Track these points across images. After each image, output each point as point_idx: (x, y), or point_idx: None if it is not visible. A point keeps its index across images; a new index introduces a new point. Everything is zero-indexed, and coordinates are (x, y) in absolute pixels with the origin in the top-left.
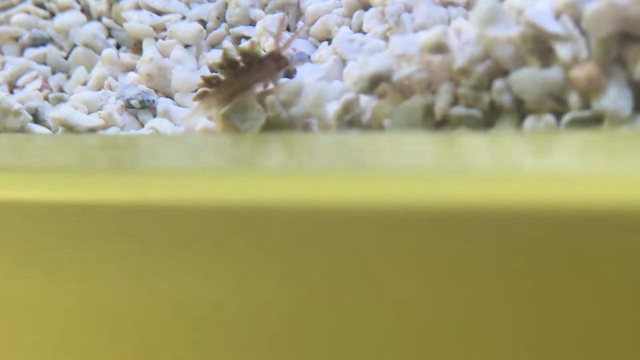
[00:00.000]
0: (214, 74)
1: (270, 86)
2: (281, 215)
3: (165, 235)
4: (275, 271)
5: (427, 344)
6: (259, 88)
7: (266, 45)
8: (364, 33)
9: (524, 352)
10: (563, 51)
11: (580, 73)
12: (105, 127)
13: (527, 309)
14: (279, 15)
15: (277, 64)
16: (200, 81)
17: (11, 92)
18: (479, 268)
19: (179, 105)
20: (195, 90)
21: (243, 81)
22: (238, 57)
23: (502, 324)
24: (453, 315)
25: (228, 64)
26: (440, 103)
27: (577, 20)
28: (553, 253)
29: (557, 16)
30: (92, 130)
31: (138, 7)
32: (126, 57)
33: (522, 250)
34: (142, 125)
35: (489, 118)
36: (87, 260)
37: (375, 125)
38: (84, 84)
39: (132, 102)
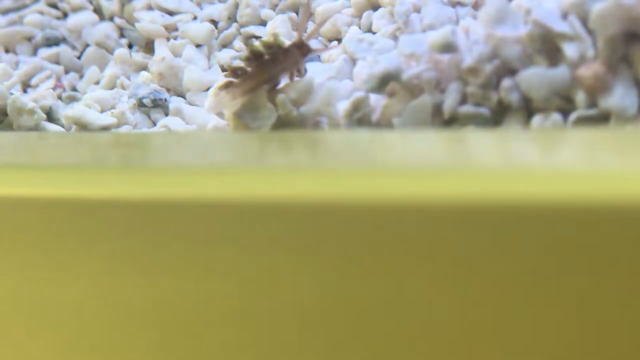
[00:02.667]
0: (239, 64)
1: (296, 76)
2: (292, 212)
3: (177, 232)
4: (284, 266)
5: (441, 340)
6: (285, 78)
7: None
8: (373, 33)
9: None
10: (570, 50)
11: (587, 72)
12: (118, 126)
13: (539, 304)
14: (304, 4)
15: (301, 52)
16: (226, 72)
17: (25, 91)
18: (488, 262)
19: (190, 104)
20: (208, 89)
21: (269, 72)
22: (263, 50)
23: (514, 317)
24: (462, 310)
25: (254, 56)
26: (449, 102)
27: (584, 20)
28: (560, 248)
29: (565, 16)
30: (105, 128)
31: (150, 8)
32: (138, 56)
33: (530, 245)
34: (155, 124)
35: (497, 116)
36: (100, 256)
37: (384, 124)
38: (97, 83)
39: (145, 101)
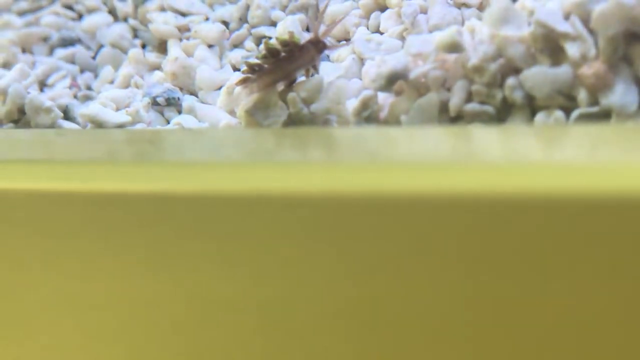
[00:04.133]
0: (256, 61)
1: (312, 72)
2: (304, 205)
3: (190, 224)
4: (292, 257)
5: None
6: (301, 74)
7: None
8: (381, 33)
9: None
10: (572, 50)
11: (588, 71)
12: (132, 124)
13: (542, 295)
14: (315, 5)
15: (317, 48)
16: (245, 68)
17: (42, 90)
18: (491, 252)
19: (203, 102)
20: (220, 88)
21: (285, 68)
22: (279, 47)
23: (521, 307)
24: (469, 300)
25: (270, 54)
26: (455, 99)
27: (585, 20)
28: (562, 238)
29: (567, 16)
30: (120, 126)
31: (163, 9)
32: (152, 56)
33: (533, 235)
34: (168, 122)
35: (502, 114)
36: (114, 248)
37: (392, 121)
38: (111, 82)
39: (158, 99)
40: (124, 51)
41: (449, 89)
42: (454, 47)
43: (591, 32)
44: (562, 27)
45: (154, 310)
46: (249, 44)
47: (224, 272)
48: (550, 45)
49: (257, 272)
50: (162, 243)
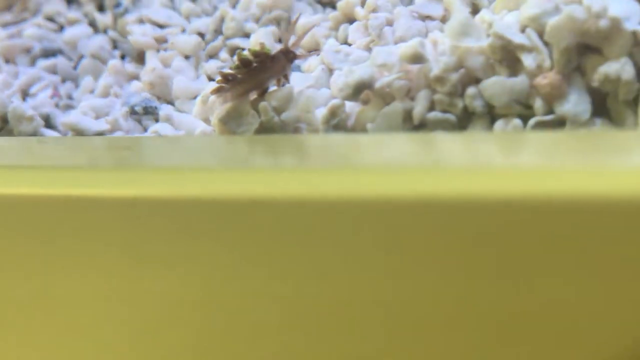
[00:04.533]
0: (230, 71)
1: (283, 81)
2: (276, 209)
3: (166, 228)
4: (264, 262)
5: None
6: (273, 83)
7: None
8: (349, 45)
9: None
10: (528, 61)
11: (543, 81)
12: (111, 132)
13: (502, 293)
14: (286, 17)
15: (287, 58)
16: (219, 78)
17: (24, 99)
18: (457, 253)
19: (179, 111)
20: (195, 97)
21: (258, 78)
22: (251, 58)
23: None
24: (428, 302)
25: (243, 64)
26: (418, 108)
27: (540, 33)
28: (522, 239)
29: (523, 29)
30: (100, 134)
31: (141, 21)
32: (130, 67)
33: (494, 236)
34: (146, 130)
35: (463, 122)
36: (95, 251)
37: (359, 129)
38: (92, 92)
39: (136, 108)
40: (104, 62)
41: (412, 98)
42: (417, 58)
43: (546, 44)
44: (519, 39)
45: (133, 311)
46: (224, 54)
47: (198, 275)
48: (507, 57)
49: (230, 275)
50: (141, 246)
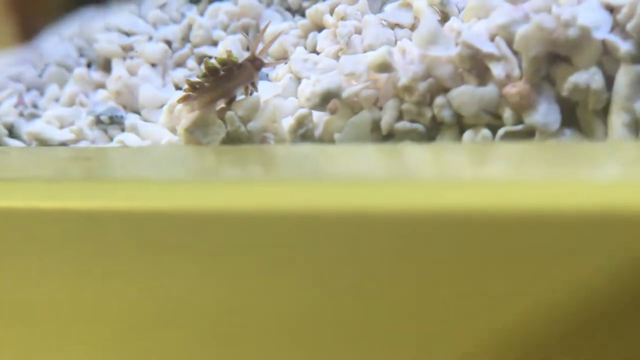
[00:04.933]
0: (197, 79)
1: (251, 89)
2: (241, 221)
3: (131, 240)
4: (231, 272)
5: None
6: (241, 92)
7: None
8: (318, 53)
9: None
10: (497, 70)
11: (512, 90)
12: (76, 141)
13: (471, 306)
14: (254, 25)
15: (255, 66)
16: (186, 86)
17: None
18: (419, 267)
19: (145, 120)
20: (162, 106)
21: (225, 86)
22: (218, 66)
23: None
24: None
25: (210, 72)
26: (386, 118)
27: (510, 42)
28: (489, 253)
29: (492, 38)
30: (64, 144)
31: (108, 29)
32: (96, 75)
33: (459, 250)
34: (111, 139)
35: (432, 132)
36: (58, 264)
37: (326, 139)
38: (57, 100)
39: (102, 117)
40: (70, 70)
41: (381, 108)
42: (385, 67)
43: (515, 53)
44: (488, 48)
45: (97, 322)
46: (191, 63)
47: (162, 289)
48: (476, 66)
49: (194, 286)
50: (105, 259)
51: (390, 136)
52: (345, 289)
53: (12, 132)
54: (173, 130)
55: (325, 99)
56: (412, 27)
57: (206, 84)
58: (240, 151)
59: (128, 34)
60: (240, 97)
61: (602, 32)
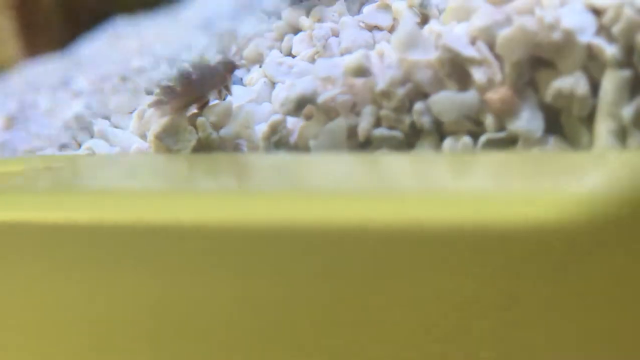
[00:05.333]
0: (168, 84)
1: (225, 93)
2: (214, 233)
3: (95, 254)
4: (201, 286)
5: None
6: (214, 97)
7: None
8: (294, 56)
9: None
10: (478, 75)
11: (494, 96)
12: (43, 148)
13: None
14: (228, 27)
15: (227, 69)
16: (157, 91)
17: None
18: (399, 281)
19: (115, 126)
20: (132, 112)
21: (197, 90)
22: (190, 69)
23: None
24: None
25: (182, 76)
26: (363, 124)
27: (491, 46)
28: (467, 268)
29: (473, 41)
30: (31, 150)
31: None
32: None
33: (437, 265)
34: (80, 146)
35: (410, 139)
36: (26, 277)
37: (301, 146)
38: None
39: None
40: None
41: (357, 114)
42: (362, 71)
43: (497, 57)
44: (468, 51)
45: (62, 337)
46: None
47: (125, 298)
48: (457, 70)
49: (162, 300)
50: (71, 272)
51: (367, 143)
52: (320, 303)
53: None
54: (143, 137)
55: (300, 105)
56: (391, 29)
57: (178, 89)
58: (211, 160)
59: None
60: (214, 101)
61: (587, 36)
